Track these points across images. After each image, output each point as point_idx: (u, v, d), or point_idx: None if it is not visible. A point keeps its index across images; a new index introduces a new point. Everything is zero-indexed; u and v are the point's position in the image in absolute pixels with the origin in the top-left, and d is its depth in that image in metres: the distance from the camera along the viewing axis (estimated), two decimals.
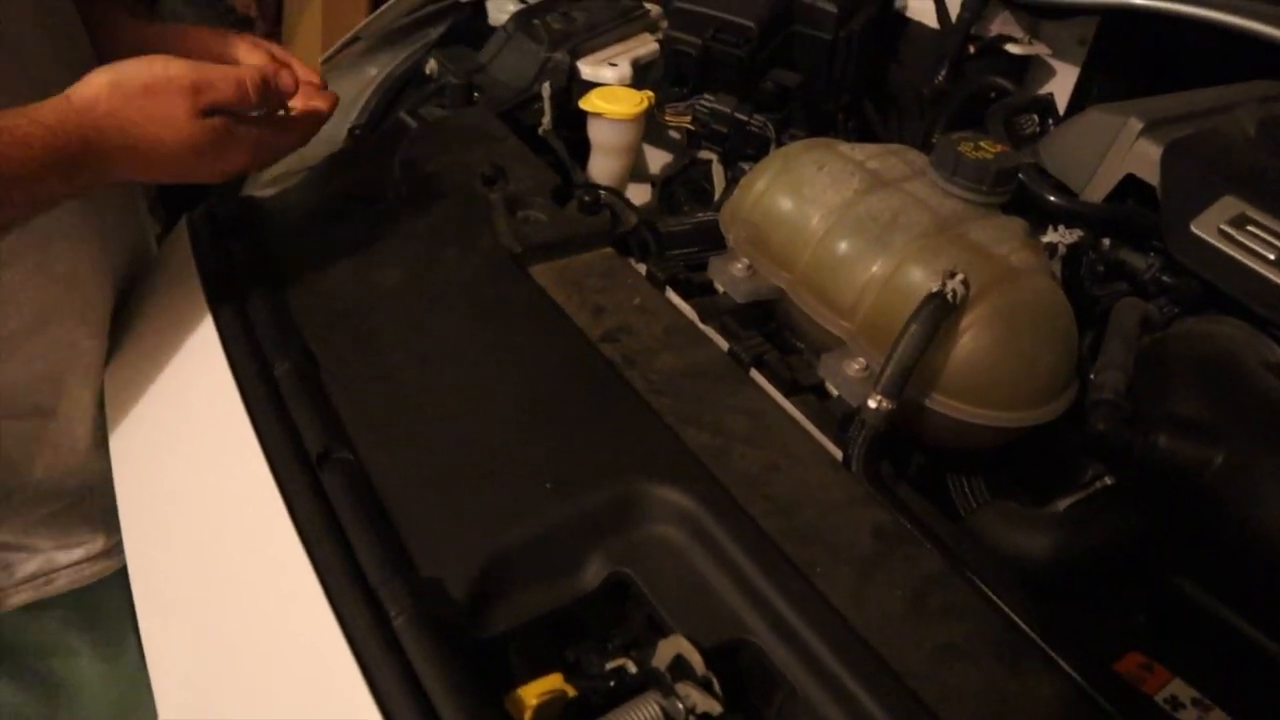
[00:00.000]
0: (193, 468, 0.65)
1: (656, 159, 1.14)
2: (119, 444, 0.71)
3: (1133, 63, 1.16)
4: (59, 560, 0.82)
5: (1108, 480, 0.78)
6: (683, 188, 1.06)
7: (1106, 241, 0.87)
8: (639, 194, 1.11)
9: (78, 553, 0.83)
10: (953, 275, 0.67)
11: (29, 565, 0.82)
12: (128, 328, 0.78)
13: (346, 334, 0.72)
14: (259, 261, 0.79)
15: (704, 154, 1.06)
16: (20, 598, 0.82)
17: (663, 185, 1.07)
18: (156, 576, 0.61)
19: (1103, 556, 0.72)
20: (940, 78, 1.18)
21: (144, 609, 0.60)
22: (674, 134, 1.12)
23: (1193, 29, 0.98)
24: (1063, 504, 0.78)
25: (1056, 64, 1.25)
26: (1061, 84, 1.23)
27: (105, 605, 0.86)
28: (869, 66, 1.18)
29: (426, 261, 0.78)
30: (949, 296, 0.66)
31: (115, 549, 0.84)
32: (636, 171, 1.12)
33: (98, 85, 0.64)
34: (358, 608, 0.52)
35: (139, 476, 0.67)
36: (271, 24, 2.50)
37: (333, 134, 1.01)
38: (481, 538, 0.58)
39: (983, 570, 0.62)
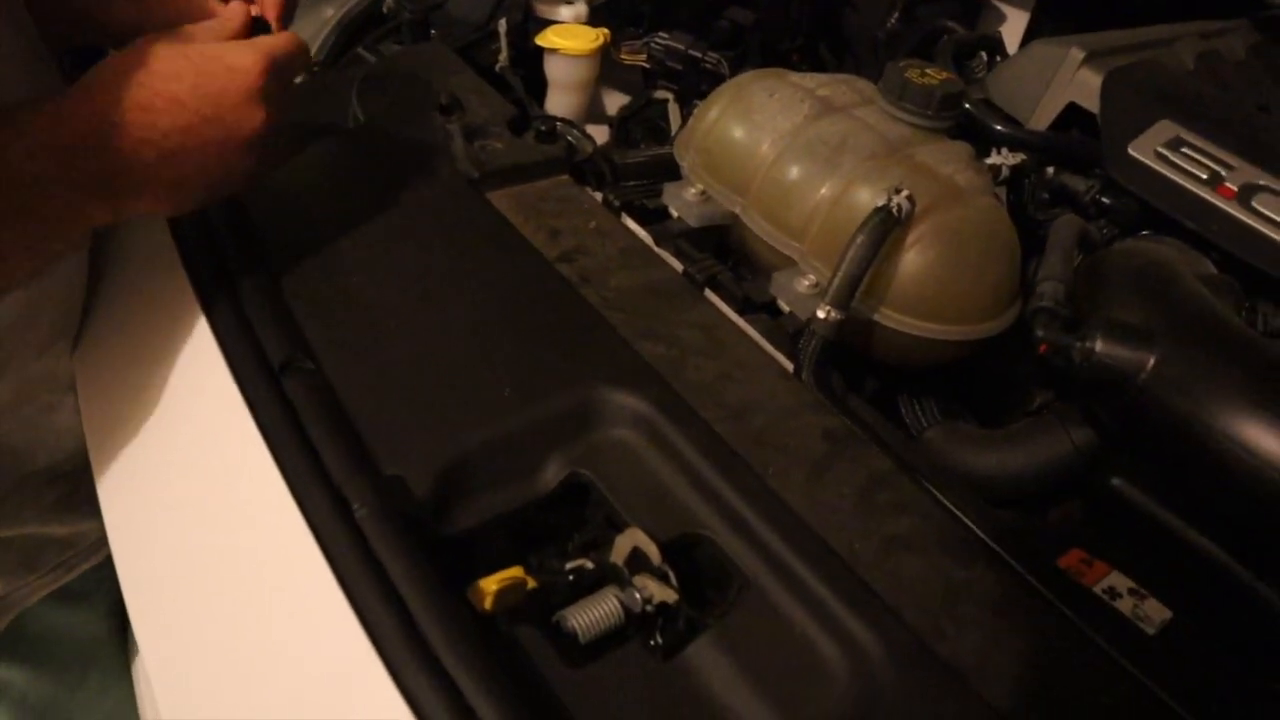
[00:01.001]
0: (157, 378, 0.65)
1: (614, 99, 1.15)
2: (84, 356, 0.71)
3: (1081, 6, 1.19)
4: (78, 543, 0.83)
5: (1055, 403, 0.81)
6: (639, 126, 1.07)
7: (1050, 170, 0.89)
8: (597, 133, 1.12)
9: (92, 528, 0.83)
10: (898, 191, 0.69)
11: (49, 554, 0.82)
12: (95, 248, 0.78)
13: (307, 253, 0.72)
14: None
15: (660, 93, 1.07)
16: (45, 589, 0.84)
17: (619, 123, 1.08)
18: (124, 481, 0.62)
19: (1047, 473, 0.75)
20: (893, 20, 1.20)
21: (111, 515, 0.61)
22: (630, 76, 1.13)
23: None
24: (1013, 428, 0.81)
25: (1007, 9, 1.28)
26: (1012, 28, 1.25)
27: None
28: (823, 8, 1.20)
29: (386, 187, 0.79)
30: (894, 210, 0.68)
31: None
32: (594, 111, 1.13)
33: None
34: (322, 503, 0.53)
35: (103, 389, 0.68)
36: None
37: None
38: (443, 440, 0.59)
39: (928, 472, 0.65)
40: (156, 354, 0.65)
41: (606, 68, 1.10)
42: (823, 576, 0.55)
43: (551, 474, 0.60)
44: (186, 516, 0.59)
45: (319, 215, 0.77)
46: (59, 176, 0.54)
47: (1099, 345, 0.66)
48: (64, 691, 0.92)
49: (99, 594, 0.93)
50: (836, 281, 0.67)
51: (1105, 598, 0.64)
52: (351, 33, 1.02)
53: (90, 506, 0.74)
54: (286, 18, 0.74)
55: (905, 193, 0.69)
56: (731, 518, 0.58)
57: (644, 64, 1.04)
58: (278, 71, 0.62)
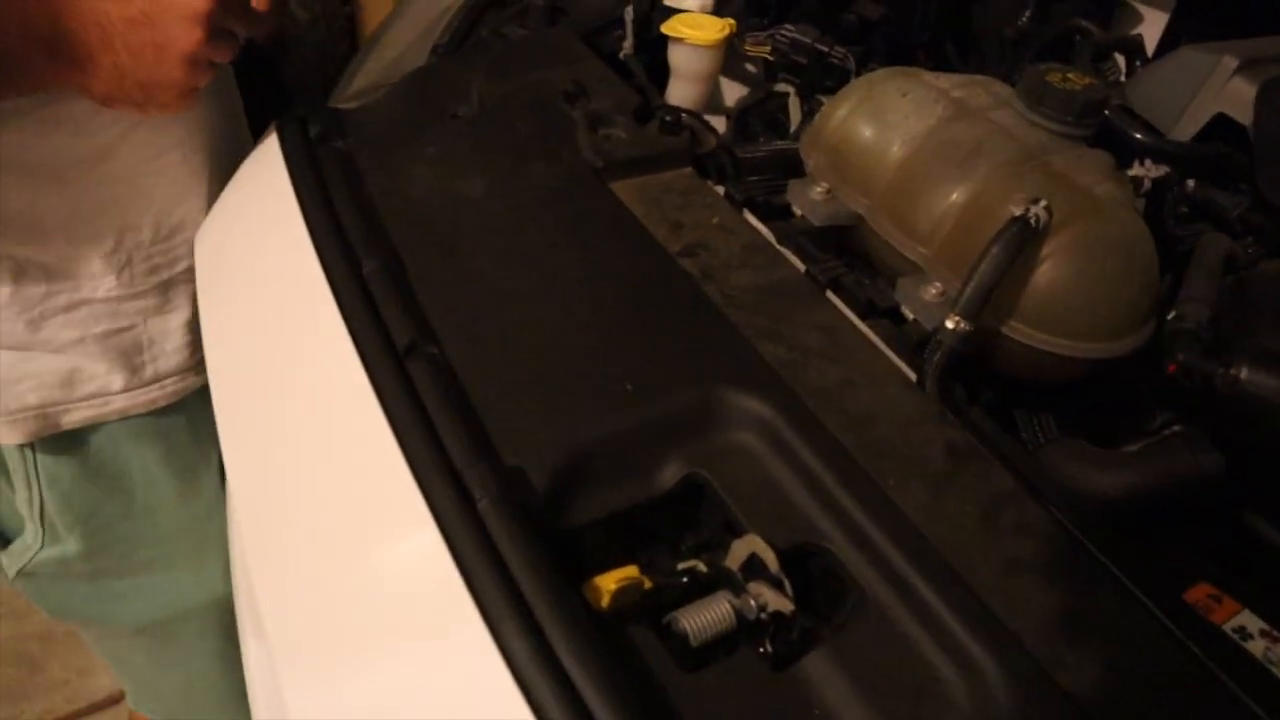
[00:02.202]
0: (285, 358, 0.67)
1: (733, 91, 1.14)
2: (211, 331, 0.73)
3: (1226, 6, 1.13)
4: (114, 384, 0.86)
5: (1177, 429, 0.78)
6: (758, 119, 1.05)
7: (1191, 182, 0.85)
8: (715, 124, 1.11)
9: (128, 379, 0.87)
10: (1036, 201, 0.67)
11: (88, 385, 0.85)
12: (220, 224, 0.80)
13: (431, 239, 0.73)
14: (346, 167, 0.80)
15: (781, 86, 1.06)
16: (80, 414, 0.86)
17: (738, 116, 1.07)
18: (250, 457, 0.63)
19: (1172, 496, 0.72)
20: (1024, 19, 1.16)
21: (237, 490, 0.62)
22: (750, 67, 1.12)
23: None
24: (1131, 449, 0.78)
25: (1145, 9, 1.22)
26: (1150, 28, 1.20)
27: (174, 434, 0.92)
28: (952, 4, 1.16)
29: (509, 173, 0.79)
30: (1031, 221, 0.66)
31: (171, 378, 0.89)
32: (712, 102, 1.12)
33: None
34: (445, 490, 0.54)
35: (233, 367, 0.69)
36: None
37: (416, 53, 1.03)
38: (563, 433, 0.59)
39: (1053, 493, 0.63)
40: (284, 332, 0.66)
41: (727, 58, 1.08)
42: (943, 594, 0.54)
43: (669, 474, 0.60)
44: (311, 492, 0.60)
45: (442, 199, 0.77)
46: (13, 26, 0.65)
47: (1245, 373, 0.63)
48: (116, 508, 0.94)
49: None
50: (968, 292, 0.66)
51: (1235, 637, 0.61)
52: (476, 16, 1.03)
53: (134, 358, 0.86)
54: None
55: (1043, 203, 0.67)
56: (850, 529, 0.57)
57: (768, 56, 1.02)
58: (227, 6, 0.70)
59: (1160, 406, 0.79)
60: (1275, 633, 0.62)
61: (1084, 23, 1.15)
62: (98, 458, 0.90)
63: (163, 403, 0.90)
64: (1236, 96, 0.82)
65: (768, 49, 1.02)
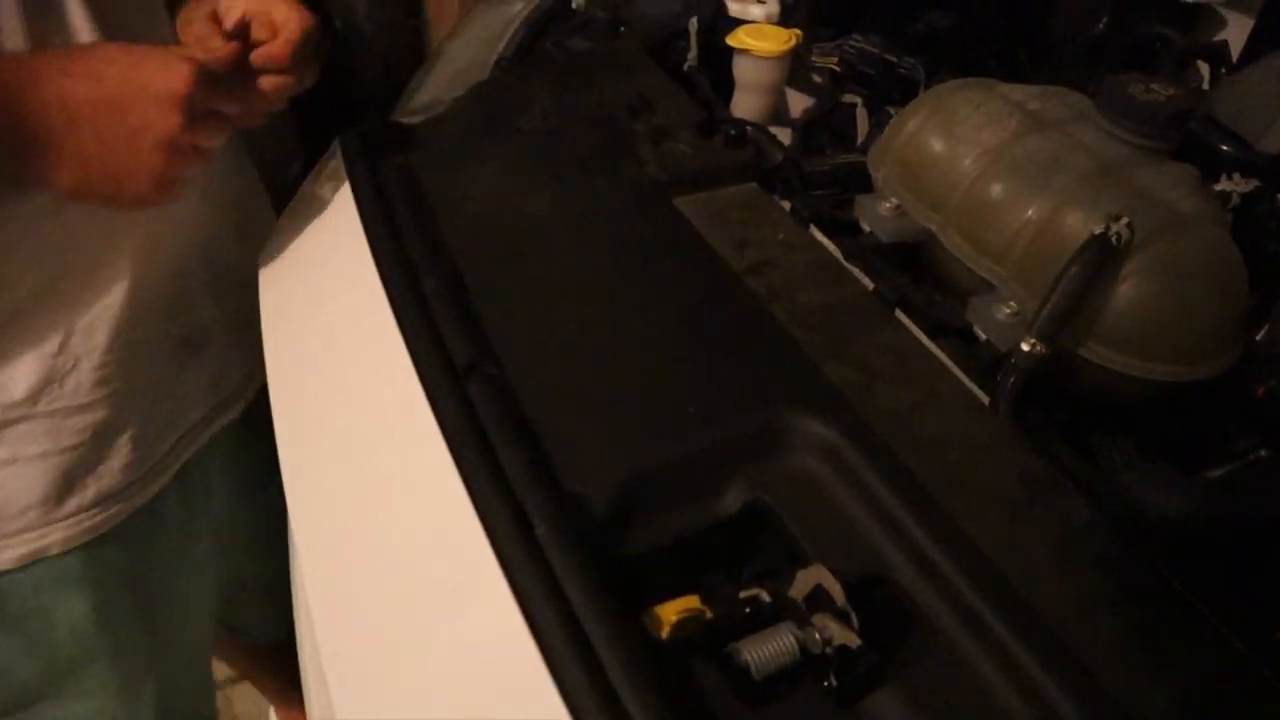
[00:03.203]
0: (345, 376, 0.66)
1: (799, 102, 1.12)
2: (273, 348, 0.73)
3: None
4: (52, 514, 0.74)
5: (1263, 453, 0.75)
6: (825, 131, 1.03)
7: None
8: (780, 136, 1.10)
9: (71, 504, 0.74)
10: (1117, 218, 0.64)
11: (16, 520, 0.72)
12: (282, 242, 0.81)
13: (493, 255, 0.72)
14: (409, 183, 0.80)
15: (848, 98, 1.04)
16: (9, 553, 0.73)
17: (804, 128, 1.05)
18: (310, 476, 0.63)
19: (1256, 527, 0.69)
20: (1100, 26, 1.13)
21: (296, 510, 0.62)
22: (817, 78, 1.10)
23: None
24: (1214, 474, 0.75)
25: (1230, 14, 1.18)
26: (1234, 35, 1.16)
27: (108, 579, 0.79)
28: (1024, 12, 1.13)
29: (572, 188, 0.78)
30: (1113, 240, 0.63)
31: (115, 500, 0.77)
32: (778, 114, 1.10)
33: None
34: (502, 515, 0.53)
35: (293, 385, 0.69)
36: None
37: (480, 66, 1.03)
38: (623, 457, 0.58)
39: (1133, 526, 0.60)
40: (344, 350, 0.66)
41: (793, 69, 1.07)
42: (1016, 630, 0.52)
43: (732, 499, 0.58)
44: (367, 512, 0.60)
45: (504, 215, 0.77)
46: None
47: None
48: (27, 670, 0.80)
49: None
50: (1045, 313, 0.63)
51: None
52: (539, 28, 1.02)
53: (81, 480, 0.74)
54: (288, 67, 0.70)
55: (1125, 220, 0.64)
56: (920, 560, 0.55)
57: (835, 66, 1.01)
58: (210, 87, 0.62)
59: (1246, 430, 0.76)
60: None
61: (1164, 30, 1.12)
62: (19, 607, 0.76)
63: (105, 527, 0.77)
64: None
65: (835, 59, 1.01)
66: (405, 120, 0.91)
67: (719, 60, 1.00)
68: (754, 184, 0.82)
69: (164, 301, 0.77)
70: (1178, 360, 0.67)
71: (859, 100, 1.03)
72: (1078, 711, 0.49)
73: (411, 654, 0.52)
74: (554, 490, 0.55)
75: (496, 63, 1.00)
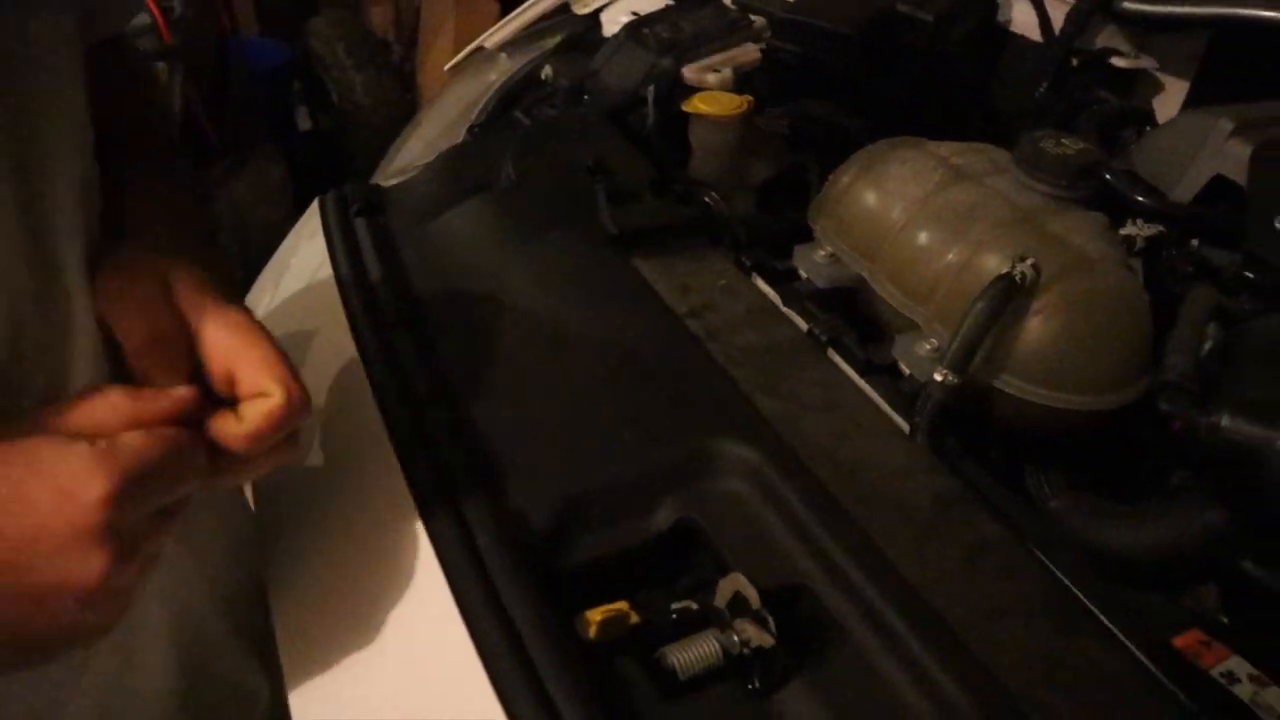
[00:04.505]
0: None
1: (760, 165, 1.18)
2: None
3: (1246, 77, 1.15)
4: None
5: (1184, 483, 0.79)
6: (781, 191, 1.10)
7: (1196, 243, 0.87)
8: (741, 197, 1.16)
9: None
10: (1023, 259, 0.70)
11: None
12: (260, 293, 0.87)
13: (456, 303, 0.78)
14: (382, 240, 0.86)
15: (804, 160, 1.10)
16: None
17: (762, 189, 1.11)
18: (277, 490, 0.69)
19: (1177, 552, 0.73)
20: (1041, 90, 1.20)
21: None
22: (775, 142, 1.17)
23: None
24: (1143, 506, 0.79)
25: (1166, 78, 1.25)
26: (1171, 99, 1.23)
27: None
28: (972, 79, 1.21)
29: (531, 242, 0.84)
30: (1017, 278, 0.69)
31: None
32: (739, 176, 1.16)
33: None
34: (447, 527, 0.58)
35: None
36: (407, 46, 2.64)
37: (454, 133, 1.10)
38: (563, 479, 0.63)
39: (1042, 539, 0.65)
40: (315, 386, 0.72)
41: (753, 134, 1.13)
42: (920, 634, 0.56)
43: (663, 517, 0.63)
44: (327, 518, 0.65)
45: (469, 265, 0.83)
46: None
47: (1226, 421, 0.64)
48: None
49: None
50: (954, 346, 0.68)
51: (1222, 682, 0.62)
52: (510, 97, 1.10)
53: None
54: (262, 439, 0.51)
55: (1030, 261, 0.70)
56: (833, 571, 0.60)
57: (786, 131, 1.07)
58: (140, 493, 0.44)
59: (1175, 463, 0.81)
60: (1263, 677, 0.62)
61: (1101, 93, 1.18)
62: None
63: None
64: (1233, 158, 0.84)
65: (786, 123, 1.07)
66: (383, 183, 0.98)
67: (679, 125, 1.06)
68: (703, 238, 0.88)
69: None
70: (1085, 390, 0.72)
71: (811, 162, 1.09)
72: (976, 708, 0.53)
73: (360, 653, 0.57)
74: (497, 505, 0.60)
75: (469, 129, 1.07)
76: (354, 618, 0.57)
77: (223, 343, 0.52)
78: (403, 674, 0.54)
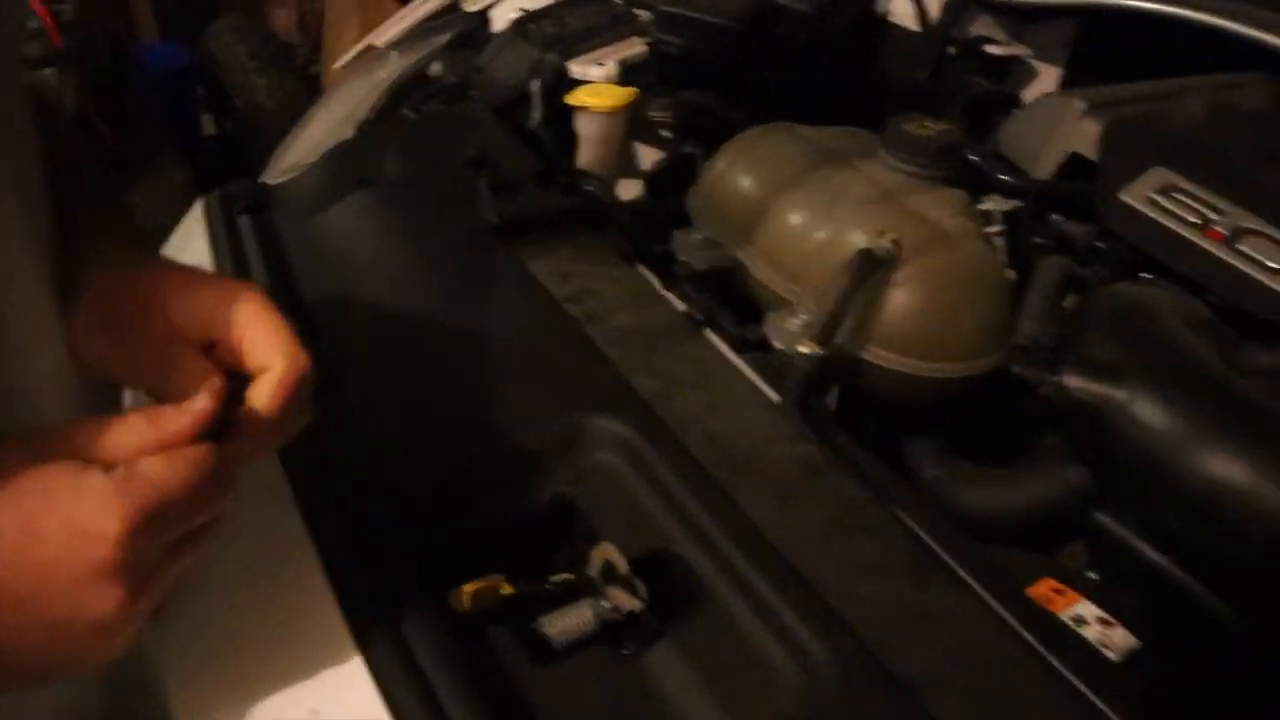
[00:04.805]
0: None
1: (648, 154, 1.21)
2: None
3: (1115, 62, 1.21)
4: None
5: (1049, 445, 0.83)
6: (669, 181, 1.12)
7: (1057, 218, 0.92)
8: (633, 188, 1.18)
9: None
10: (882, 234, 0.73)
11: None
12: None
13: (340, 296, 0.79)
14: (266, 237, 0.87)
15: (689, 149, 1.13)
16: None
17: (653, 179, 1.14)
18: None
19: (1043, 511, 0.77)
20: (923, 79, 1.24)
21: None
22: (664, 132, 1.19)
23: (1174, 28, 1.03)
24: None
25: (1040, 65, 1.30)
26: (1045, 85, 1.28)
27: None
28: (853, 66, 1.24)
29: (414, 234, 0.85)
30: (877, 252, 0.72)
31: None
32: (630, 167, 1.19)
33: None
34: (325, 508, 0.59)
35: None
36: (311, 49, 2.62)
37: (343, 131, 1.10)
38: (440, 460, 0.65)
39: (902, 500, 0.68)
40: None
41: (645, 126, 1.16)
42: (781, 593, 0.59)
43: (540, 492, 0.65)
44: None
45: (353, 258, 0.84)
46: None
47: (1070, 381, 0.68)
48: None
49: None
50: (818, 318, 0.71)
51: (1071, 625, 0.65)
52: (399, 95, 1.10)
53: None
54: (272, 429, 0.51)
55: (890, 236, 0.73)
56: (701, 537, 0.62)
57: (670, 121, 1.10)
58: (157, 526, 0.43)
59: (1048, 431, 0.85)
60: (1110, 619, 0.66)
61: (979, 80, 1.23)
62: None
63: None
64: (1086, 135, 0.89)
65: (671, 114, 1.10)
66: (270, 181, 0.98)
67: (564, 119, 1.08)
68: (584, 226, 0.89)
69: None
70: (946, 359, 0.75)
71: (698, 151, 1.12)
72: (830, 656, 0.56)
73: (227, 622, 0.58)
74: (375, 487, 0.61)
75: (358, 127, 1.08)
76: (224, 589, 0.58)
77: (233, 321, 0.51)
78: (274, 649, 0.55)
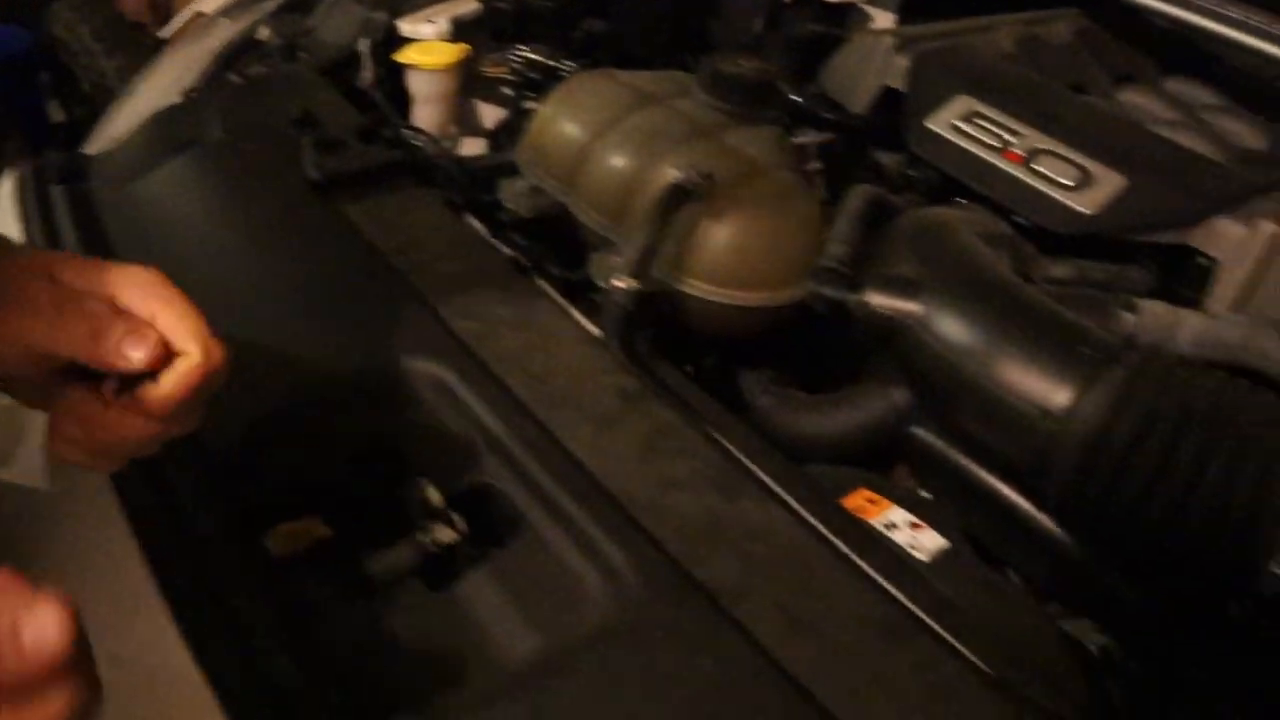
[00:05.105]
0: None
1: (492, 114, 1.21)
2: None
3: (946, 6, 1.25)
4: None
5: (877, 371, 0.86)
6: (510, 137, 1.12)
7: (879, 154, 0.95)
8: (474, 145, 1.18)
9: None
10: (692, 167, 0.75)
11: None
12: None
13: (158, 257, 0.77)
14: (82, 207, 0.85)
15: (528, 104, 1.13)
16: None
17: (493, 135, 1.14)
18: None
19: (868, 430, 0.80)
20: (757, 27, 1.26)
21: None
22: (506, 89, 1.19)
23: None
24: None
25: (874, 11, 1.33)
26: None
27: None
28: (687, 17, 1.26)
29: (236, 195, 0.85)
30: (686, 185, 0.74)
31: None
32: (471, 124, 1.19)
33: None
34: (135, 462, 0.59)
35: None
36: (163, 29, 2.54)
37: (168, 101, 1.08)
38: (260, 407, 0.64)
39: (719, 419, 0.70)
40: None
41: (483, 83, 1.16)
42: (590, 514, 0.61)
43: (359, 436, 0.66)
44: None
45: (172, 222, 0.83)
46: None
47: (871, 297, 0.71)
48: None
49: None
50: (631, 253, 0.73)
51: (883, 531, 0.69)
52: (227, 60, 1.09)
53: None
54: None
55: (699, 169, 0.75)
56: (517, 468, 0.64)
57: (506, 76, 1.10)
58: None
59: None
60: (919, 522, 0.69)
61: (814, 27, 1.25)
62: None
63: None
64: (897, 70, 0.92)
65: (505, 69, 1.10)
66: (91, 151, 0.96)
67: (399, 79, 1.08)
68: (410, 179, 0.89)
69: None
70: (761, 287, 0.78)
71: (536, 104, 1.12)
72: (635, 569, 0.58)
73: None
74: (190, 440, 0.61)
75: (184, 95, 1.06)
76: (27, 543, 0.57)
77: (139, 305, 0.48)
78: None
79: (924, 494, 0.78)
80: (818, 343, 0.90)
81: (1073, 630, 0.76)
